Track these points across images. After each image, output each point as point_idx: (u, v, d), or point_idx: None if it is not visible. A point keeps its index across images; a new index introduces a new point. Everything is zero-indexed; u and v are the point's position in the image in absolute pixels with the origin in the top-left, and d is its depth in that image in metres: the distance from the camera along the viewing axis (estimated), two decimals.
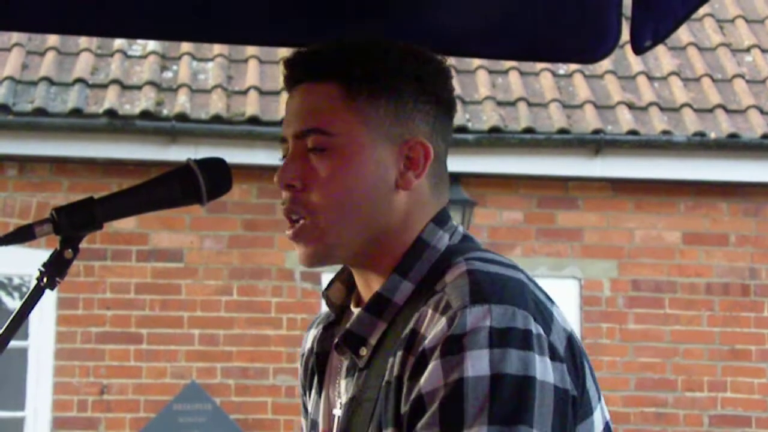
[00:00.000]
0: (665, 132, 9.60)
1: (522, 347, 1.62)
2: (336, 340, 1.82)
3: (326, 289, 1.94)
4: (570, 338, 1.72)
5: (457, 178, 9.32)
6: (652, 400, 9.56)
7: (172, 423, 9.15)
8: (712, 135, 9.63)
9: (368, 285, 1.84)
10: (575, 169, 9.67)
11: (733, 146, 9.64)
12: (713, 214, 9.82)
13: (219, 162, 1.88)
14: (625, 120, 9.67)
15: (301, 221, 1.82)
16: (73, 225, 1.80)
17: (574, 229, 9.70)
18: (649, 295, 9.67)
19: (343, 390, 1.83)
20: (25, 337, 9.10)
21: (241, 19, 2.51)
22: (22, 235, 1.79)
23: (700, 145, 9.60)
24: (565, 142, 9.55)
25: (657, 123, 9.69)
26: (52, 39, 9.84)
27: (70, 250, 1.81)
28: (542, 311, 1.69)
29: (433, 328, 1.66)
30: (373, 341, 1.77)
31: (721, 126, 9.70)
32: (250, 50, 9.95)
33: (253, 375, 9.26)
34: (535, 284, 1.75)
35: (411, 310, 1.73)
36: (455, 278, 1.70)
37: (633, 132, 9.57)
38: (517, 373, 1.60)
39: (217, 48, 9.93)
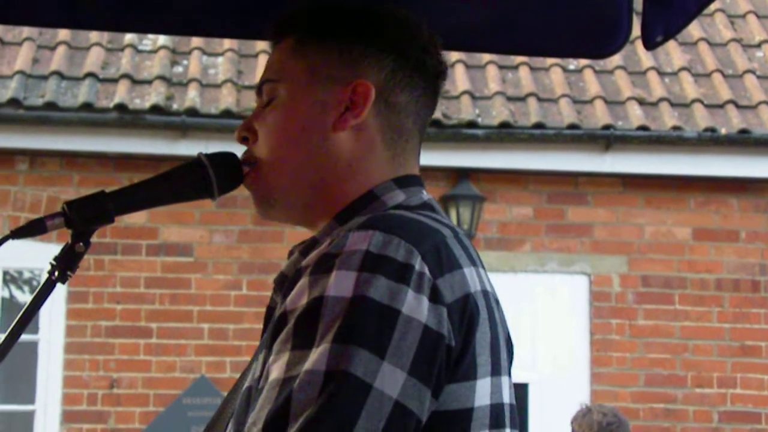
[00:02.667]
0: (676, 127, 9.59)
1: (395, 279, 1.54)
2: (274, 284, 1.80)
3: (297, 245, 1.91)
4: (468, 295, 1.61)
5: (466, 173, 9.33)
6: (661, 397, 9.55)
7: (182, 417, 9.17)
8: (723, 131, 9.62)
9: None
10: (585, 164, 9.66)
11: (743, 142, 9.62)
12: (724, 210, 9.80)
13: (230, 156, 1.88)
14: (636, 115, 9.66)
15: (250, 170, 1.83)
16: (84, 219, 1.81)
17: (584, 225, 9.70)
18: (658, 291, 9.66)
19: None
20: (36, 330, 9.12)
21: (250, 13, 2.51)
22: (33, 229, 1.80)
23: (710, 141, 9.59)
24: (575, 137, 9.55)
25: (667, 118, 9.68)
26: (63, 33, 9.85)
27: (81, 244, 1.81)
28: (442, 257, 1.60)
29: (318, 249, 1.62)
30: None
31: (732, 121, 9.68)
32: (260, 45, 9.95)
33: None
34: (462, 245, 1.67)
35: None
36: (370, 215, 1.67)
37: (643, 127, 9.56)
38: (381, 301, 1.52)
39: (227, 43, 9.94)
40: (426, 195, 1.81)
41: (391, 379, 1.51)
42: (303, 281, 1.58)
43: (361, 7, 1.85)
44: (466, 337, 1.59)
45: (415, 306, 1.54)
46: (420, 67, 1.83)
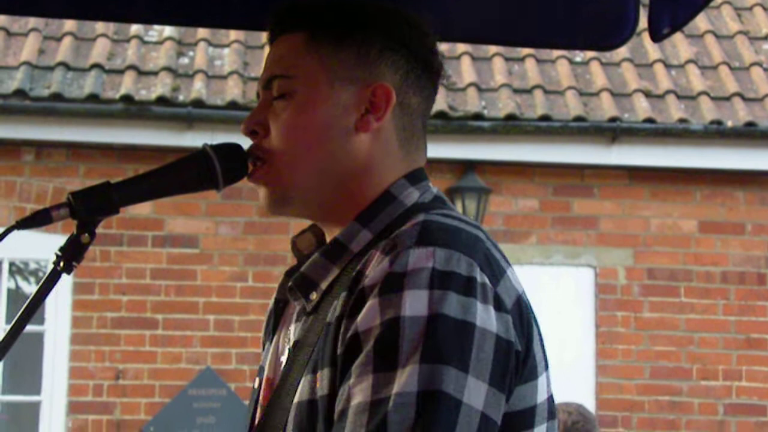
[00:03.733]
0: (682, 120, 9.58)
1: (464, 293, 1.57)
2: (290, 283, 1.79)
3: (296, 236, 1.92)
4: (520, 298, 1.66)
5: (472, 165, 9.32)
6: (666, 389, 9.55)
7: (187, 408, 9.18)
8: (729, 123, 9.61)
9: (332, 235, 1.82)
10: (591, 157, 9.65)
11: (750, 135, 9.61)
12: (730, 203, 9.79)
13: (235, 147, 1.88)
14: (642, 108, 9.65)
15: (261, 164, 1.82)
16: (89, 209, 1.81)
17: (590, 217, 9.69)
18: (664, 283, 9.66)
19: (291, 335, 1.81)
20: (42, 321, 9.12)
21: (257, 4, 2.51)
22: (39, 219, 1.80)
23: (717, 134, 9.58)
24: (582, 129, 9.54)
25: (674, 111, 9.67)
26: (69, 24, 9.85)
27: (86, 235, 1.81)
28: (492, 264, 1.64)
29: (376, 267, 1.62)
30: (324, 286, 1.75)
31: (739, 114, 9.67)
32: (266, 36, 9.93)
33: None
34: (494, 245, 1.71)
35: (364, 256, 1.69)
36: (410, 226, 1.67)
37: (650, 120, 9.55)
38: (456, 317, 1.55)
39: (234, 34, 9.93)
40: (434, 188, 1.83)
41: (476, 393, 1.55)
42: (372, 302, 1.59)
43: (373, 5, 1.85)
44: (528, 340, 1.65)
45: (486, 317, 1.58)
46: (428, 68, 1.85)
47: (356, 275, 1.66)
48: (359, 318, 1.59)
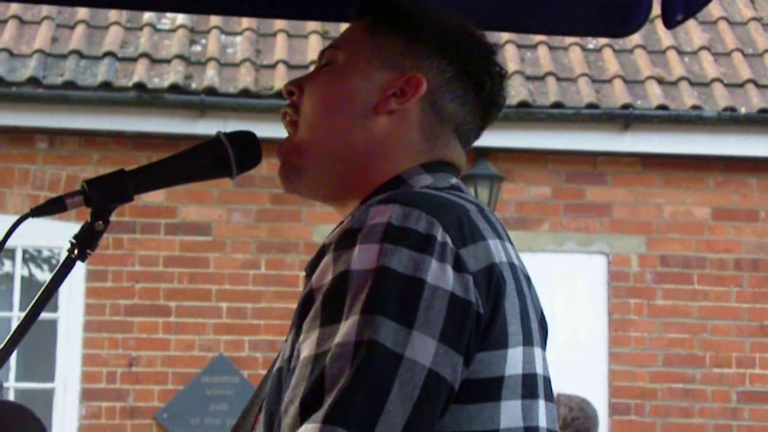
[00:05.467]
0: (695, 107, 9.56)
1: (417, 249, 1.54)
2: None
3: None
4: (493, 266, 1.60)
5: (485, 153, 9.31)
6: (679, 376, 9.54)
7: (200, 395, 9.20)
8: (743, 110, 9.59)
9: None
10: (604, 144, 9.64)
11: (763, 121, 9.59)
12: (743, 190, 9.77)
13: (249, 135, 1.88)
14: (655, 95, 9.63)
15: (290, 131, 1.83)
16: (103, 197, 1.81)
17: (603, 205, 9.68)
18: (677, 270, 9.65)
19: None
20: (55, 309, 9.15)
21: None
22: (53, 207, 1.80)
23: (730, 121, 9.56)
24: (594, 117, 9.53)
25: (687, 98, 9.65)
26: (82, 12, 9.86)
27: (100, 222, 1.81)
28: (464, 229, 1.60)
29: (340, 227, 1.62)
30: None
31: (752, 101, 9.65)
32: (279, 24, 9.95)
33: (281, 348, 9.27)
34: (487, 218, 1.68)
35: None
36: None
37: (662, 107, 9.53)
38: (404, 272, 1.52)
39: (246, 22, 9.93)
40: (455, 180, 1.80)
41: (422, 348, 1.51)
42: (327, 258, 1.58)
43: (439, 10, 1.87)
44: (495, 305, 1.59)
45: (440, 274, 1.54)
46: (479, 87, 1.84)
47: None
48: (314, 275, 1.59)
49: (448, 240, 1.57)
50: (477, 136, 1.91)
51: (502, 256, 1.64)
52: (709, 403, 9.53)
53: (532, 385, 1.64)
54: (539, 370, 1.67)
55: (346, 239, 1.57)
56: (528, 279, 1.72)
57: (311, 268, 1.64)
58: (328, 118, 1.79)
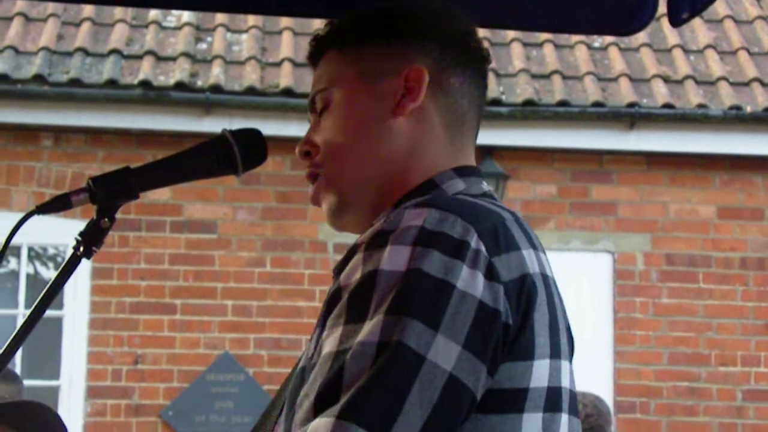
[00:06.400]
0: (701, 105, 9.55)
1: (450, 254, 1.53)
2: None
3: None
4: (525, 276, 1.59)
5: (490, 151, 9.31)
6: (685, 375, 9.54)
7: (206, 393, 9.21)
8: (748, 109, 9.58)
9: None
10: (610, 142, 9.64)
11: None
12: (748, 189, 9.77)
13: (254, 132, 1.88)
14: (661, 93, 9.62)
15: (317, 181, 1.83)
16: (109, 194, 1.81)
17: (608, 203, 9.68)
18: (683, 269, 9.64)
19: None
20: (60, 306, 9.16)
21: None
22: (59, 204, 1.81)
23: (735, 119, 9.55)
24: (600, 115, 9.52)
25: (692, 96, 9.64)
26: (88, 10, 9.87)
27: (106, 220, 1.81)
28: (499, 237, 1.59)
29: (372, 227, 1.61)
30: None
31: (758, 99, 9.64)
32: (284, 22, 9.95)
33: (286, 346, 9.29)
34: (522, 228, 1.67)
35: None
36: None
37: (668, 105, 9.52)
38: (435, 275, 1.51)
39: (252, 19, 9.93)
40: (486, 186, 1.80)
41: (445, 352, 1.49)
42: (357, 257, 1.57)
43: (394, 6, 1.86)
44: (524, 316, 1.57)
45: (470, 281, 1.52)
46: (464, 50, 1.84)
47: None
48: (343, 273, 1.58)
49: (482, 247, 1.56)
50: (485, 96, 1.89)
51: (536, 266, 1.63)
52: (714, 401, 9.53)
53: (556, 399, 1.63)
54: (565, 383, 1.66)
55: (378, 239, 1.56)
56: (558, 290, 1.71)
57: (340, 268, 1.63)
58: (353, 150, 1.78)
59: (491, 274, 1.55)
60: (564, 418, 1.65)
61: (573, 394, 1.69)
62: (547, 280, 1.66)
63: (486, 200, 1.71)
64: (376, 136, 1.77)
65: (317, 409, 1.49)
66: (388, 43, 1.81)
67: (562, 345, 1.65)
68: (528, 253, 1.63)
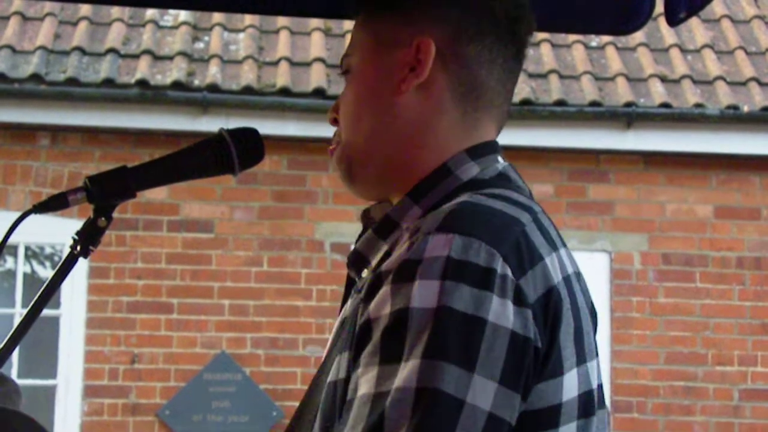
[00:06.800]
0: (698, 105, 9.55)
1: (478, 285, 1.51)
2: (347, 260, 1.78)
3: (374, 205, 1.87)
4: (551, 290, 1.58)
5: None
6: (681, 374, 9.54)
7: (203, 392, 9.21)
8: (746, 108, 9.58)
9: None
10: (607, 142, 9.64)
11: (766, 120, 9.58)
12: (745, 188, 9.77)
13: (251, 132, 1.88)
14: (658, 93, 9.63)
15: (334, 147, 1.83)
16: (106, 193, 1.81)
17: (605, 203, 9.68)
18: (679, 268, 9.65)
19: (345, 311, 1.77)
20: (57, 305, 9.15)
21: None
22: (56, 203, 1.81)
23: (733, 119, 9.56)
24: (597, 114, 9.52)
25: (690, 96, 9.64)
26: (85, 9, 9.86)
27: (103, 219, 1.81)
28: (522, 253, 1.58)
29: (397, 251, 1.59)
30: (374, 263, 1.71)
31: (755, 99, 9.64)
32: (281, 21, 9.94)
33: (283, 345, 9.29)
34: (541, 227, 1.66)
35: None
36: (447, 206, 1.62)
37: (665, 105, 9.53)
38: (465, 311, 1.50)
39: (249, 19, 9.93)
40: (501, 163, 1.77)
41: (482, 392, 1.49)
42: (385, 289, 1.55)
43: None
44: (552, 335, 1.58)
45: (501, 312, 1.52)
46: (489, 14, 1.78)
47: (384, 256, 1.65)
48: (372, 305, 1.56)
49: (509, 272, 1.54)
50: (518, 58, 1.86)
51: (558, 273, 1.62)
52: (711, 401, 9.53)
53: (588, 403, 1.64)
54: (594, 383, 1.67)
55: (405, 271, 1.54)
56: (579, 277, 1.71)
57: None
58: (360, 122, 1.78)
59: (520, 299, 1.54)
60: (596, 416, 1.67)
61: (600, 388, 1.70)
62: (569, 282, 1.65)
63: (500, 192, 1.68)
64: (382, 111, 1.76)
65: None
66: (406, 9, 1.78)
67: (587, 345, 1.66)
68: (551, 260, 1.62)
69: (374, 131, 1.77)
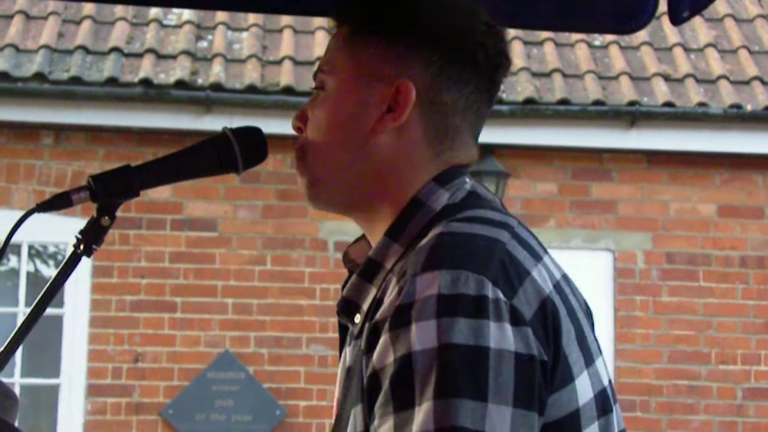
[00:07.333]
0: (701, 104, 9.55)
1: (473, 315, 1.51)
2: (336, 308, 1.77)
3: (350, 245, 1.87)
4: (545, 301, 1.59)
5: (491, 149, 9.31)
6: (685, 373, 9.54)
7: (206, 391, 9.21)
8: (749, 107, 9.58)
9: (371, 237, 1.80)
10: (610, 140, 9.64)
11: None
12: (749, 187, 9.77)
13: (255, 131, 1.88)
14: (661, 92, 9.63)
15: (300, 156, 1.82)
16: (109, 192, 1.81)
17: (609, 201, 9.68)
18: (683, 267, 9.64)
19: (346, 359, 1.77)
20: (61, 304, 9.16)
21: None
22: (59, 202, 1.80)
23: (736, 118, 9.55)
24: (600, 113, 9.52)
25: (693, 95, 9.64)
26: (88, 8, 9.87)
27: (107, 218, 1.81)
28: (509, 273, 1.57)
29: (389, 297, 1.58)
30: (365, 307, 1.70)
31: (758, 98, 9.64)
32: (285, 20, 9.95)
33: (286, 344, 9.30)
34: (521, 240, 1.65)
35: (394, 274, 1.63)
36: (426, 241, 1.61)
37: (669, 104, 9.52)
38: (467, 343, 1.50)
39: (252, 18, 9.93)
40: (469, 183, 1.76)
41: (499, 420, 1.50)
42: (385, 338, 1.55)
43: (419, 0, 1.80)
44: (556, 345, 1.58)
45: (501, 337, 1.52)
46: (472, 62, 1.76)
47: (376, 303, 1.64)
48: (375, 356, 1.56)
49: (500, 295, 1.54)
50: (491, 104, 1.83)
51: (548, 282, 1.62)
52: (715, 399, 9.53)
53: (605, 401, 1.65)
54: (605, 381, 1.67)
55: (400, 317, 1.54)
56: (567, 280, 1.71)
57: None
58: (332, 149, 1.77)
59: (516, 319, 1.54)
60: (614, 412, 1.68)
61: (611, 383, 1.71)
62: (560, 288, 1.65)
63: (477, 212, 1.68)
64: (354, 147, 1.75)
65: None
66: (394, 42, 1.76)
67: (590, 344, 1.66)
68: (538, 272, 1.62)
69: (344, 163, 1.76)
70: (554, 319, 1.59)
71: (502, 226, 1.66)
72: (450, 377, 1.49)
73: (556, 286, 1.64)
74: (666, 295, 9.61)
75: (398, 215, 1.73)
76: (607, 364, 1.73)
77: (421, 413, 1.49)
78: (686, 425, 9.48)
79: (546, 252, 1.71)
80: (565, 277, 1.71)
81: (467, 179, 1.77)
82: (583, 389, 1.61)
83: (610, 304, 9.58)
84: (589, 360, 1.64)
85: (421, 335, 1.51)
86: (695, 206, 9.73)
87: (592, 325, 1.75)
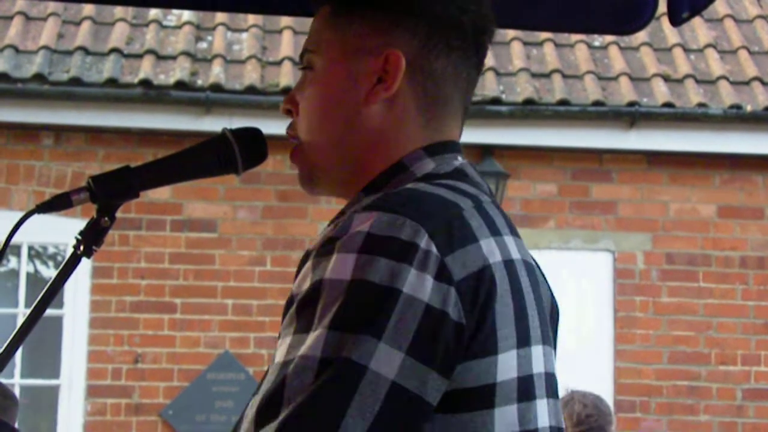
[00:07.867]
0: (701, 104, 9.55)
1: (395, 258, 1.49)
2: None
3: None
4: (483, 271, 1.56)
5: (490, 150, 9.32)
6: (685, 374, 9.54)
7: (206, 392, 9.21)
8: (749, 108, 9.58)
9: None
10: (610, 141, 9.64)
11: None
12: (748, 188, 9.77)
13: (255, 132, 1.88)
14: (661, 92, 9.63)
15: (295, 143, 1.81)
16: (109, 193, 1.81)
17: (609, 202, 9.68)
18: (683, 268, 9.64)
19: None
20: (61, 305, 9.16)
21: None
22: (59, 203, 1.80)
23: (736, 118, 9.56)
24: (600, 114, 9.52)
25: (693, 95, 9.64)
26: (88, 8, 9.87)
27: (106, 219, 1.81)
28: (453, 232, 1.55)
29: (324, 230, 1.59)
30: None
31: (758, 99, 9.64)
32: (285, 21, 9.95)
33: None
34: (485, 213, 1.63)
35: None
36: (385, 191, 1.63)
37: (668, 104, 9.53)
38: (380, 283, 1.48)
39: (252, 18, 9.93)
40: (460, 161, 1.75)
41: (386, 360, 1.48)
42: (307, 265, 1.56)
43: None
44: (482, 313, 1.54)
45: (417, 285, 1.50)
46: (457, 28, 1.76)
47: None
48: (296, 281, 1.57)
49: (433, 248, 1.52)
50: (479, 69, 1.82)
51: (497, 255, 1.60)
52: (715, 400, 9.53)
53: (529, 387, 1.61)
54: (538, 368, 1.64)
55: (326, 247, 1.54)
56: (531, 269, 1.68)
57: (295, 275, 1.62)
58: (325, 129, 1.76)
59: (441, 275, 1.52)
60: (541, 403, 1.64)
61: (550, 376, 1.68)
62: (512, 266, 1.62)
63: (451, 183, 1.67)
64: (347, 120, 1.74)
65: (257, 423, 1.49)
66: (379, 16, 1.75)
67: (531, 330, 1.63)
68: (487, 243, 1.59)
69: (338, 138, 1.76)
70: (489, 289, 1.56)
71: (469, 196, 1.65)
72: (351, 311, 1.48)
73: (508, 262, 1.61)
74: (666, 296, 9.61)
75: (379, 173, 1.72)
76: (554, 359, 1.70)
77: (312, 338, 1.49)
78: (686, 426, 9.48)
79: (515, 234, 1.69)
80: (527, 263, 1.67)
81: (459, 157, 1.76)
82: (507, 367, 1.58)
83: (610, 305, 9.58)
84: (523, 342, 1.61)
85: (337, 266, 1.51)
86: (695, 207, 9.73)
87: (554, 320, 1.74)
